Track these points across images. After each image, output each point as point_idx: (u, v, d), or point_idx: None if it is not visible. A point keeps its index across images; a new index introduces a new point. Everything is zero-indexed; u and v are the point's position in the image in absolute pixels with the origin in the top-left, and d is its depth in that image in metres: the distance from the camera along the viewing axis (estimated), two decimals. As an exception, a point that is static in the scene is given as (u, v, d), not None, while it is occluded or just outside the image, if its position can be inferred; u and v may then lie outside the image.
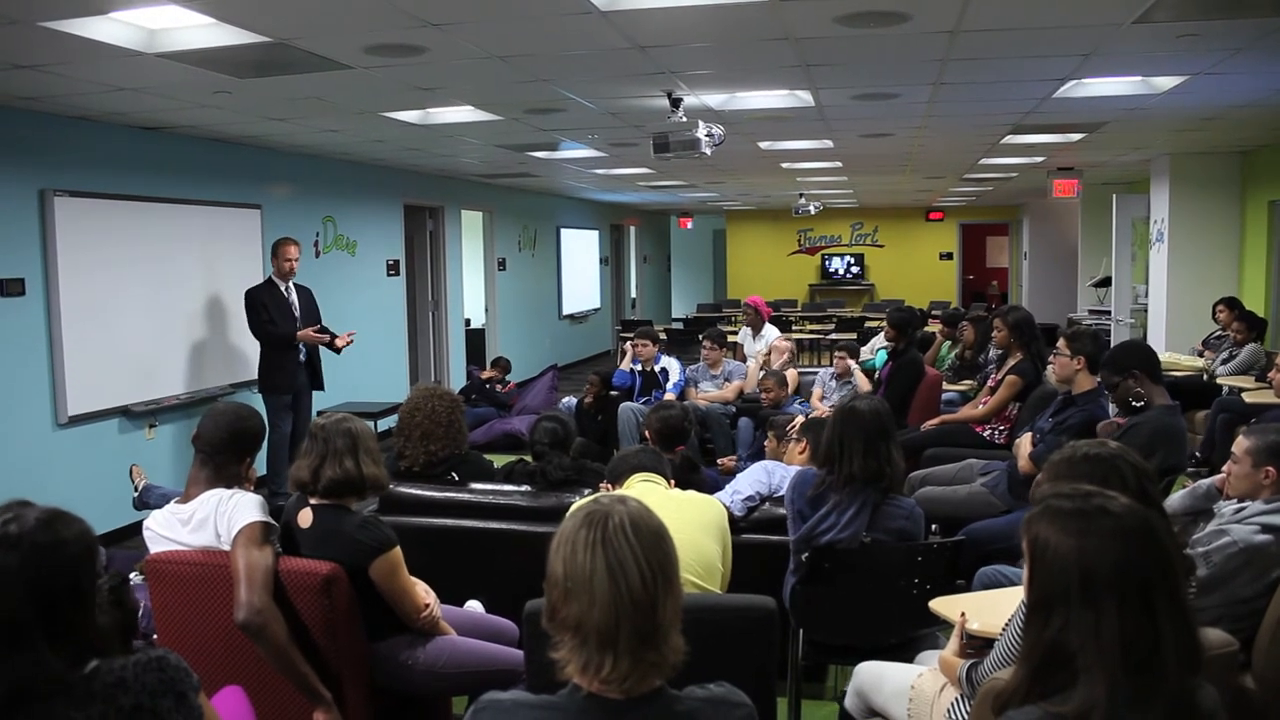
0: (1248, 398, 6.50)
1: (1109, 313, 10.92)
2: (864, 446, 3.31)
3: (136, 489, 5.51)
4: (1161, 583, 1.57)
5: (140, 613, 3.00)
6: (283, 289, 6.79)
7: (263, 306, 6.67)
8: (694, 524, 3.02)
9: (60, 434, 5.99)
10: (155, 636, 3.05)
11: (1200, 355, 8.36)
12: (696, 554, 2.95)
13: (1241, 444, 3.05)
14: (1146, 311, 10.26)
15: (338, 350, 6.95)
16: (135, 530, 5.62)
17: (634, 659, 1.54)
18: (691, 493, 3.28)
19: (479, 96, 5.98)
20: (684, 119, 5.70)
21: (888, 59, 5.00)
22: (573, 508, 1.70)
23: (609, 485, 3.33)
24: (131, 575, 4.12)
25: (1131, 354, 4.37)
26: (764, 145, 8.54)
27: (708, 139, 5.58)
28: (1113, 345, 5.28)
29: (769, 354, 7.93)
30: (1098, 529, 1.60)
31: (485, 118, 6.66)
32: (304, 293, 6.95)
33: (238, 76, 4.99)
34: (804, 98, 6.08)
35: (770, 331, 8.50)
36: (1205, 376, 7.77)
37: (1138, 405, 4.12)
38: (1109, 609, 1.54)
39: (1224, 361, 7.63)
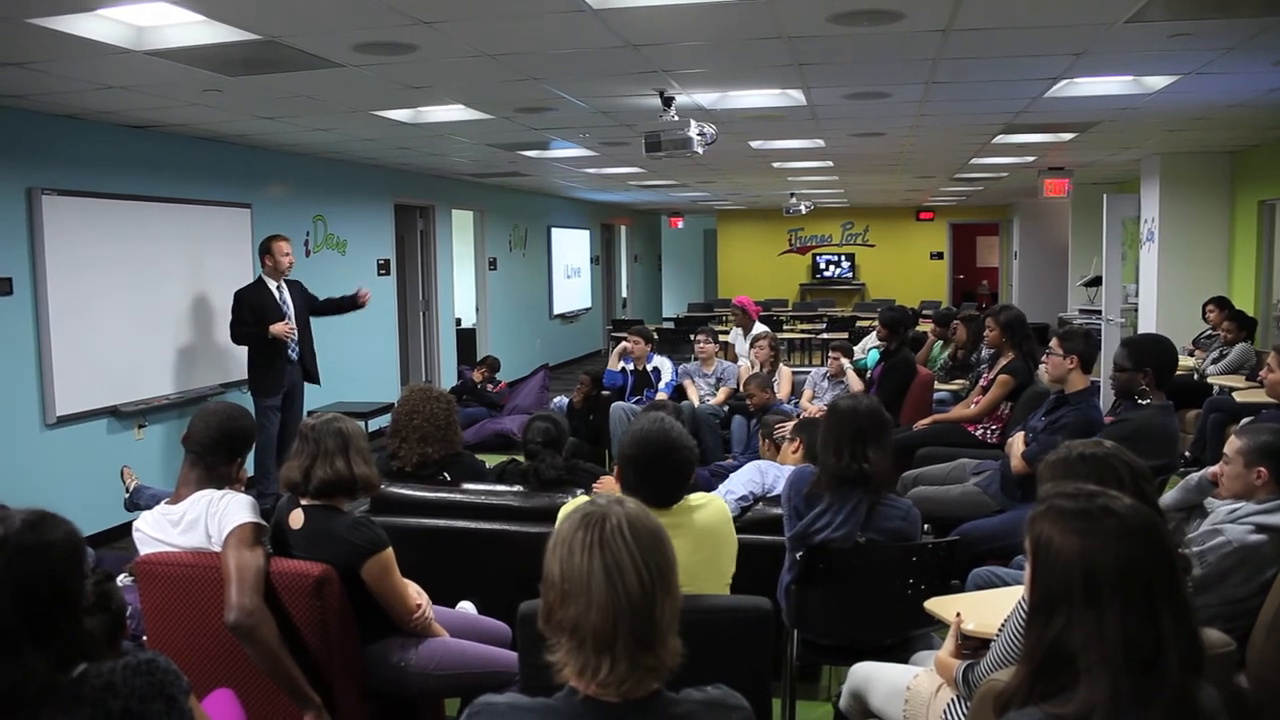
0: (1239, 397, 6.51)
1: (1099, 312, 10.93)
2: (836, 445, 3.30)
3: (128, 490, 5.48)
4: (1164, 583, 1.56)
5: (129, 614, 2.97)
6: (273, 287, 6.72)
7: (247, 309, 6.60)
8: (711, 548, 2.81)
9: (49, 434, 5.95)
10: (145, 638, 3.03)
11: (1191, 355, 8.38)
12: (717, 575, 2.83)
13: (1233, 444, 3.04)
14: (1137, 311, 10.29)
15: (361, 305, 7.27)
16: (125, 531, 5.60)
17: (631, 662, 1.52)
18: (704, 509, 2.86)
19: (470, 95, 5.96)
20: (676, 118, 5.68)
21: (880, 58, 4.99)
22: (566, 507, 1.68)
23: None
24: (121, 577, 4.09)
25: (1153, 352, 4.30)
26: (755, 144, 8.54)
27: (699, 138, 5.57)
28: (1136, 334, 5.13)
29: (753, 350, 7.89)
30: (1102, 529, 1.59)
31: (476, 116, 6.64)
32: (295, 287, 6.89)
33: (227, 74, 4.96)
34: (796, 97, 6.07)
35: (760, 330, 8.48)
36: (1196, 376, 7.80)
37: (1140, 401, 4.11)
38: (1112, 609, 1.53)
39: (1214, 361, 7.66)
